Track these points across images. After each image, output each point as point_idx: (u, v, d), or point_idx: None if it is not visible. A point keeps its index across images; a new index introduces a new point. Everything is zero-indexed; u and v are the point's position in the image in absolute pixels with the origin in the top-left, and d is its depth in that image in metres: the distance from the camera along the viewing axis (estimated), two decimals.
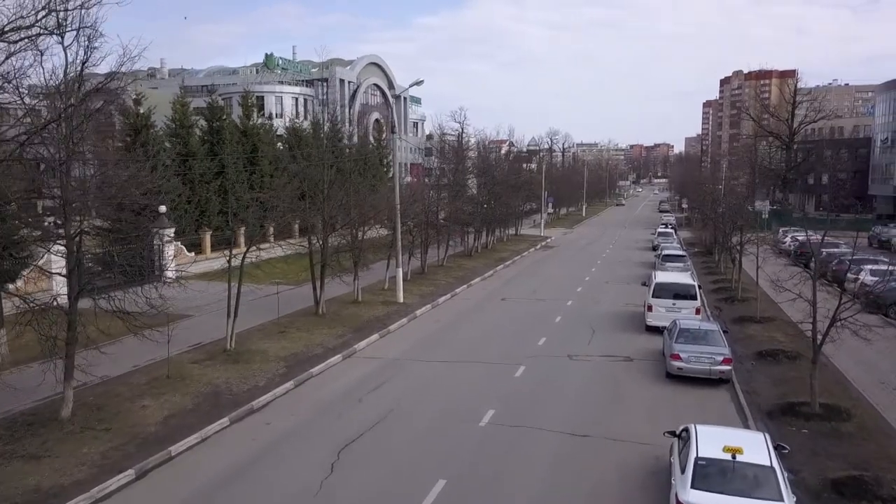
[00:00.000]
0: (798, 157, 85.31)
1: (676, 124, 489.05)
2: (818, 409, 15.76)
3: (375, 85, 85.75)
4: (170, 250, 35.44)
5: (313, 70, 78.32)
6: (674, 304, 24.34)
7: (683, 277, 26.61)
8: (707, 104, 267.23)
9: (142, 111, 38.65)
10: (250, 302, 26.34)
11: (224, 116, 45.29)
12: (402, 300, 29.81)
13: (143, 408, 16.08)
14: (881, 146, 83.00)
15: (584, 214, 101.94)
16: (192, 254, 37.84)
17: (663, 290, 24.74)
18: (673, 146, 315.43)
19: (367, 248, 30.08)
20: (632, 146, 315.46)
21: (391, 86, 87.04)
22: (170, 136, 41.14)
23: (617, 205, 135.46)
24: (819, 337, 15.62)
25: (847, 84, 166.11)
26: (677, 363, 18.54)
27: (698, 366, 18.32)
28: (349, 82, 79.91)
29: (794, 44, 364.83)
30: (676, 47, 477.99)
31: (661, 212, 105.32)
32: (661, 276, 25.78)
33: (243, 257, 21.83)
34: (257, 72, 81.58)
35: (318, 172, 27.27)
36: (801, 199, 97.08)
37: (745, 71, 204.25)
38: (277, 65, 79.62)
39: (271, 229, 35.08)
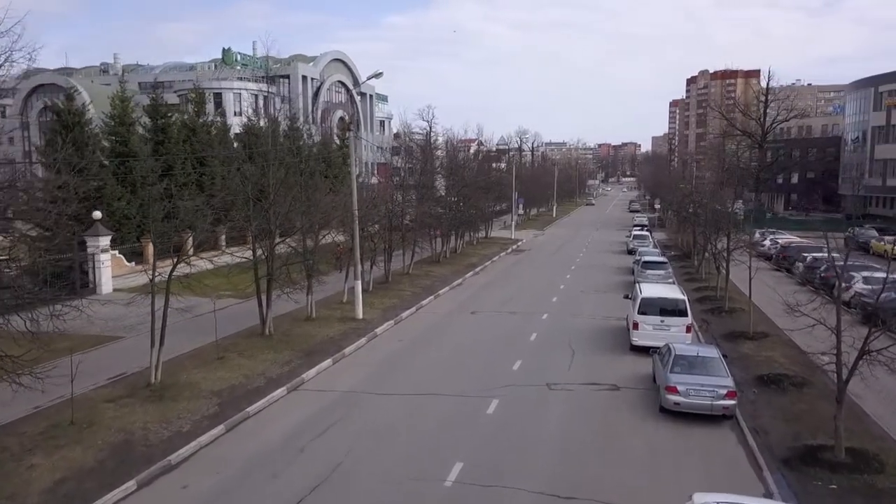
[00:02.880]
0: (768, 156, 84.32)
1: (643, 123, 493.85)
2: (844, 455, 13.40)
3: (340, 82, 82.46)
4: (105, 261, 32.23)
5: (275, 66, 74.75)
6: (662, 321, 21.87)
7: (671, 291, 24.12)
8: (674, 103, 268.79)
9: (74, 107, 35.22)
10: (191, 320, 23.07)
11: (170, 113, 41.95)
12: (360, 316, 26.92)
13: (31, 468, 13.00)
14: (851, 145, 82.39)
15: (554, 215, 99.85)
16: (133, 263, 34.53)
17: (650, 306, 22.22)
18: (640, 145, 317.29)
19: (319, 259, 27.09)
20: (600, 145, 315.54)
21: (356, 83, 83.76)
22: (108, 135, 37.70)
23: (587, 204, 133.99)
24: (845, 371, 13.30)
25: (810, 84, 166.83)
26: (674, 397, 16.01)
27: (698, 400, 15.81)
28: (312, 79, 76.51)
29: (756, 45, 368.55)
30: (643, 48, 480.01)
31: (631, 212, 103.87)
32: (648, 290, 23.27)
33: (170, 273, 18.77)
34: (215, 68, 77.70)
35: (264, 173, 24.19)
36: (772, 199, 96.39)
37: (711, 71, 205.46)
38: (236, 60, 75.91)
39: (223, 238, 32.04)
